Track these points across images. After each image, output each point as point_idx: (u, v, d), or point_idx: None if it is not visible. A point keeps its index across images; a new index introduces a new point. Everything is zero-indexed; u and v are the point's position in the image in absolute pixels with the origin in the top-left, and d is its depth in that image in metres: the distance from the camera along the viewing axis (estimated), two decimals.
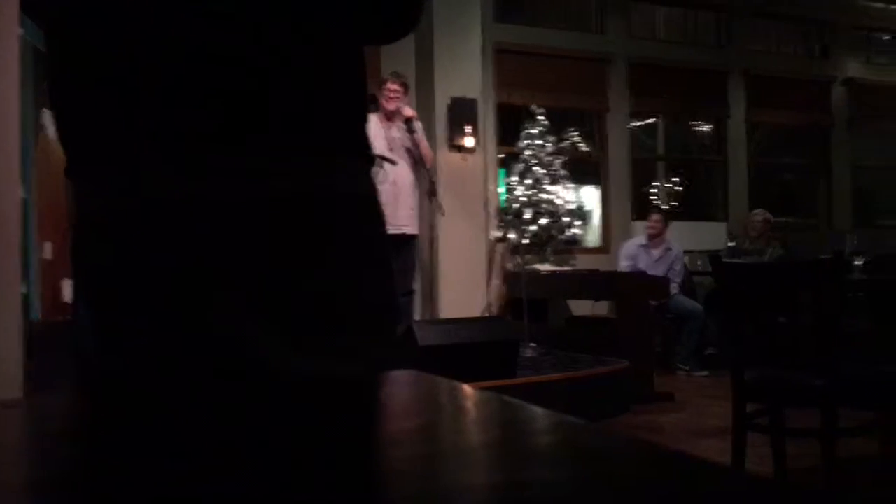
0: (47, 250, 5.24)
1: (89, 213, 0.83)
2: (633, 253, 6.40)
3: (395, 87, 4.94)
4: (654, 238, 6.35)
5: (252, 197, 0.77)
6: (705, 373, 5.91)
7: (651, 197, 8.54)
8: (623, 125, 8.03)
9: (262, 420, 0.47)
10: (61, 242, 4.37)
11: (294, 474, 0.34)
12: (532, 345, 5.09)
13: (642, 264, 6.23)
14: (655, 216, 6.40)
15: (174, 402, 0.57)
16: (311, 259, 0.79)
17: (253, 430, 0.44)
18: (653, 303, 5.55)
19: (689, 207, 8.71)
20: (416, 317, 5.67)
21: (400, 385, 0.69)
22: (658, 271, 6.04)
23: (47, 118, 4.49)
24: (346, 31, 0.85)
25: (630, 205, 8.02)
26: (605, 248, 7.79)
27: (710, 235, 7.93)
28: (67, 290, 4.47)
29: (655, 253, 6.33)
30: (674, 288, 6.01)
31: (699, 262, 7.23)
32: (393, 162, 4.69)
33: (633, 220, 7.85)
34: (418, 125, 4.98)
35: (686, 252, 6.90)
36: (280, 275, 0.78)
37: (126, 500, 0.32)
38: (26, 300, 3.87)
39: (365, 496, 0.33)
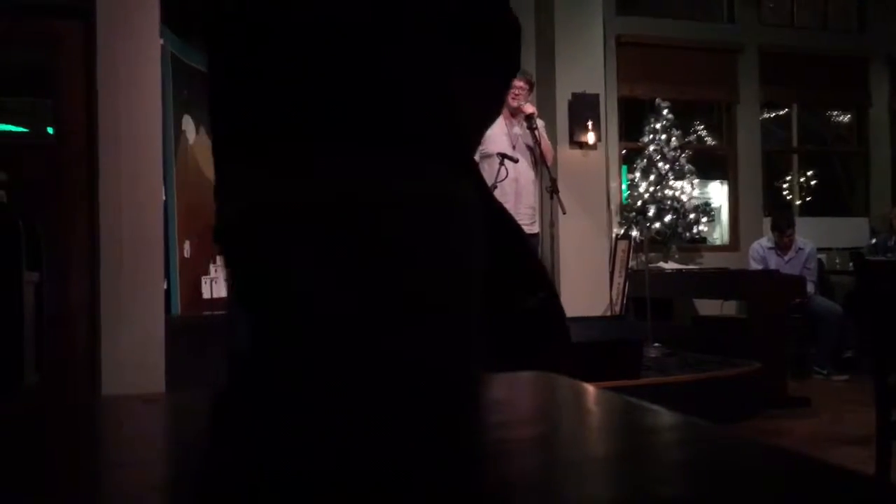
0: (186, 248, 5.53)
1: (234, 212, 0.87)
2: (761, 255, 6.13)
3: (520, 84, 4.91)
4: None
5: (363, 199, 0.80)
6: (844, 377, 5.60)
7: (783, 192, 8.15)
8: (753, 117, 7.71)
9: (375, 420, 0.48)
10: (199, 241, 4.60)
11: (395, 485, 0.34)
12: (656, 345, 4.97)
13: (773, 266, 5.95)
14: (790, 231, 6.06)
15: (324, 401, 0.58)
16: (411, 257, 0.81)
17: (366, 431, 0.45)
18: (795, 303, 5.30)
19: (826, 202, 8.26)
20: None
21: (523, 385, 0.68)
22: (791, 272, 5.76)
23: (188, 123, 4.74)
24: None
25: (761, 200, 7.69)
26: (734, 245, 7.50)
27: (849, 232, 7.50)
28: (205, 287, 4.71)
29: (786, 254, 6.04)
30: (810, 287, 5.72)
31: (837, 261, 6.85)
32: (515, 160, 4.67)
33: (766, 216, 7.52)
34: (539, 122, 4.95)
35: (823, 250, 6.54)
36: (388, 271, 0.80)
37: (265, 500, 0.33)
38: (168, 296, 4.11)
39: None
